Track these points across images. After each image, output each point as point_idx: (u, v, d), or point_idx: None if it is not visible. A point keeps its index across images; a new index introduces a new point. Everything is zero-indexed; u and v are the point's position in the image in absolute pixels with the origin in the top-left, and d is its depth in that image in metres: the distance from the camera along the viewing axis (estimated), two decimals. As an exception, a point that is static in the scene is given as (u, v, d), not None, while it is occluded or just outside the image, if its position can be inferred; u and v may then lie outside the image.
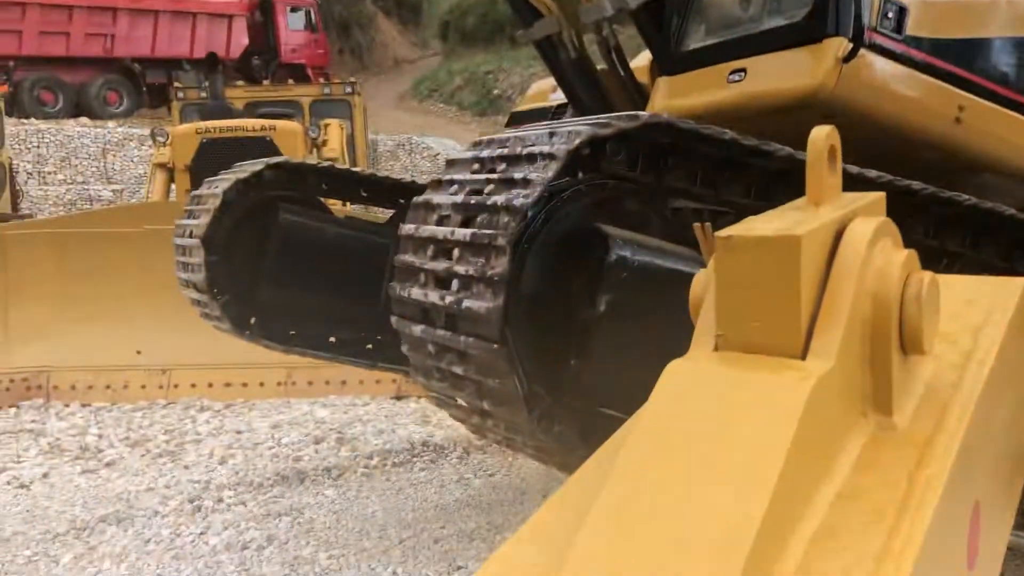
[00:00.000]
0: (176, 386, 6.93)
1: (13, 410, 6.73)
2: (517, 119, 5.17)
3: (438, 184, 2.48)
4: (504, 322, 2.10)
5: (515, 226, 2.09)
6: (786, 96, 3.40)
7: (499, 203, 2.15)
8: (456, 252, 2.23)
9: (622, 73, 4.20)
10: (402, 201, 4.28)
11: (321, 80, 13.08)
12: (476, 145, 2.56)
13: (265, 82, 12.46)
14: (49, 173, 13.38)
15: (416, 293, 2.36)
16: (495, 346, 2.11)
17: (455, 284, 2.22)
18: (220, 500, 4.78)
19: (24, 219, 9.50)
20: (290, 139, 8.73)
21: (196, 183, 8.49)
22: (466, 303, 2.15)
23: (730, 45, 3.79)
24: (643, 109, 4.19)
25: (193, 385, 6.89)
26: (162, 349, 6.74)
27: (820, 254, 0.90)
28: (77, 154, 13.59)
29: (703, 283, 1.01)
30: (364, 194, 4.23)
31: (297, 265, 4.03)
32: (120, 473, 5.39)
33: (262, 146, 8.55)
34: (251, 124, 8.65)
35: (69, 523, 4.55)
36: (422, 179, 12.94)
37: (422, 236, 2.36)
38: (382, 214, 5.22)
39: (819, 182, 0.97)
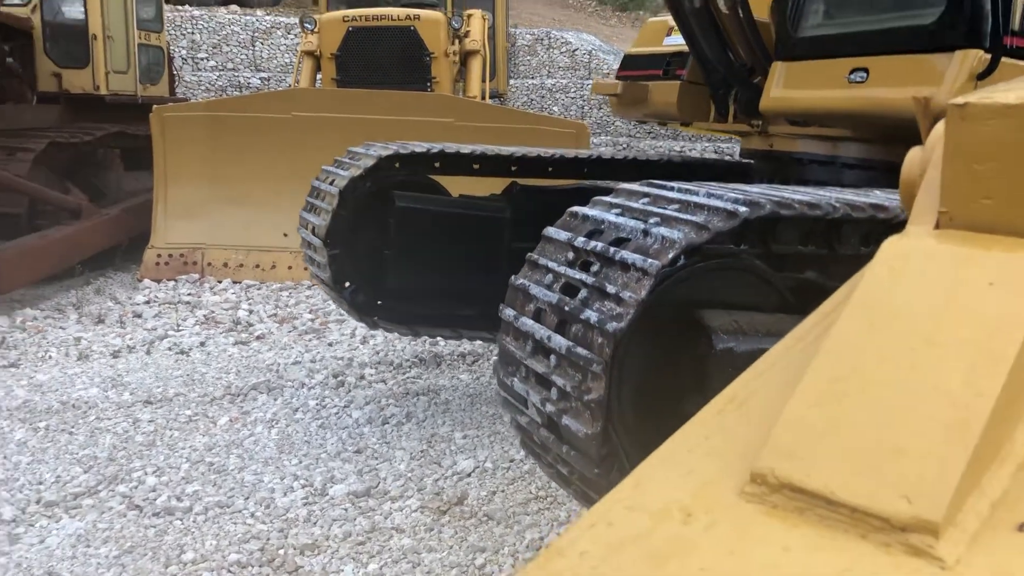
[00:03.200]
0: (320, 269, 7.21)
1: (171, 283, 7.17)
2: (631, 62, 4.96)
3: (534, 266, 2.39)
4: (604, 443, 2.03)
5: (609, 351, 1.99)
6: (911, 112, 3.06)
7: (592, 321, 2.04)
8: (553, 358, 2.16)
9: (746, 27, 3.94)
10: (514, 168, 4.27)
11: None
12: (572, 218, 2.44)
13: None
14: (201, 59, 13.84)
15: (518, 386, 2.31)
16: (596, 470, 2.06)
17: (554, 392, 2.15)
18: (362, 377, 5.00)
19: (180, 102, 9.93)
20: (433, 29, 8.69)
21: (343, 71, 8.65)
22: (565, 420, 2.09)
23: (851, 39, 3.45)
24: (765, 62, 3.92)
25: (335, 268, 7.14)
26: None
27: (1069, 127, 0.82)
28: (228, 41, 13.98)
29: (919, 160, 0.95)
30: (476, 167, 4.23)
31: (417, 248, 4.14)
32: (269, 346, 5.70)
33: (406, 36, 8.57)
34: (396, 13, 8.64)
35: (224, 388, 4.86)
36: (558, 74, 12.52)
37: (521, 329, 2.30)
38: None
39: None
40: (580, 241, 2.28)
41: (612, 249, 2.15)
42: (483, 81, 9.30)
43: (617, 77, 4.99)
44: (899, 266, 0.81)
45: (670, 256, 2.01)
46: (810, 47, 3.61)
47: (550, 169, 4.35)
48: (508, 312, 2.39)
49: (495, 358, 2.46)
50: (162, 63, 10.14)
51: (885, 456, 0.67)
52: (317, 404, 4.60)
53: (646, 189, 2.42)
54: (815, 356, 0.76)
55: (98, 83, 8.75)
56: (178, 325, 6.15)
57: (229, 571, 3.02)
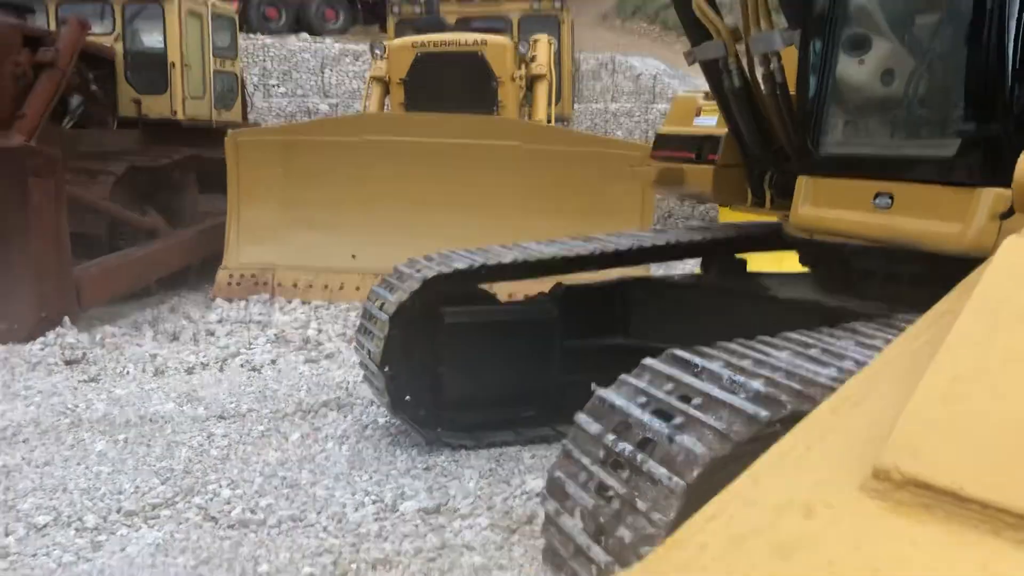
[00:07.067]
0: (387, 290, 7.29)
1: (243, 303, 7.32)
2: (663, 142, 4.98)
3: (568, 458, 2.44)
4: None
5: None
6: (937, 244, 2.97)
7: (627, 541, 2.09)
8: (595, 569, 2.20)
9: (783, 108, 3.89)
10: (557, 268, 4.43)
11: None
12: (600, 404, 2.46)
13: (475, -2, 12.59)
14: (272, 86, 14.19)
15: None
16: None
17: None
18: (430, 396, 5.03)
19: (253, 127, 10.19)
20: (500, 54, 8.77)
21: (411, 96, 8.77)
22: None
23: (873, 161, 3.38)
24: (802, 142, 3.86)
25: (403, 289, 7.22)
26: (375, 254, 7.08)
27: None
28: (298, 68, 14.32)
29: (1035, 162, 0.93)
30: (520, 273, 4.36)
31: (470, 358, 4.30)
32: (339, 365, 5.78)
33: (473, 61, 8.67)
34: (464, 39, 8.75)
35: (296, 405, 4.94)
36: (622, 98, 12.47)
37: (563, 528, 2.35)
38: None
39: None
40: (609, 439, 2.33)
41: (640, 456, 2.20)
42: (549, 105, 9.35)
43: (651, 157, 5.00)
44: (1021, 265, 0.79)
45: (695, 474, 2.06)
46: (833, 165, 3.53)
47: (594, 264, 4.45)
48: (550, 505, 2.44)
49: (544, 546, 2.51)
50: (236, 89, 10.43)
51: (1016, 452, 0.66)
52: (386, 422, 4.64)
53: (670, 371, 2.45)
54: (937, 354, 0.75)
55: (175, 109, 9.04)
56: (250, 343, 6.28)
57: (303, 583, 3.05)
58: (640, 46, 21.39)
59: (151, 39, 9.26)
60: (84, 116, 8.51)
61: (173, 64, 8.99)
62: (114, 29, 9.00)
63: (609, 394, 2.49)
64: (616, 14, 26.01)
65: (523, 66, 9.23)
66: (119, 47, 8.99)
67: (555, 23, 11.20)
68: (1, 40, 6.75)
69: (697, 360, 2.45)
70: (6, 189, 6.05)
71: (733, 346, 2.55)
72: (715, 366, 2.38)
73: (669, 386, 2.40)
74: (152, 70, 9.08)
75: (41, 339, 5.98)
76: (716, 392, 2.25)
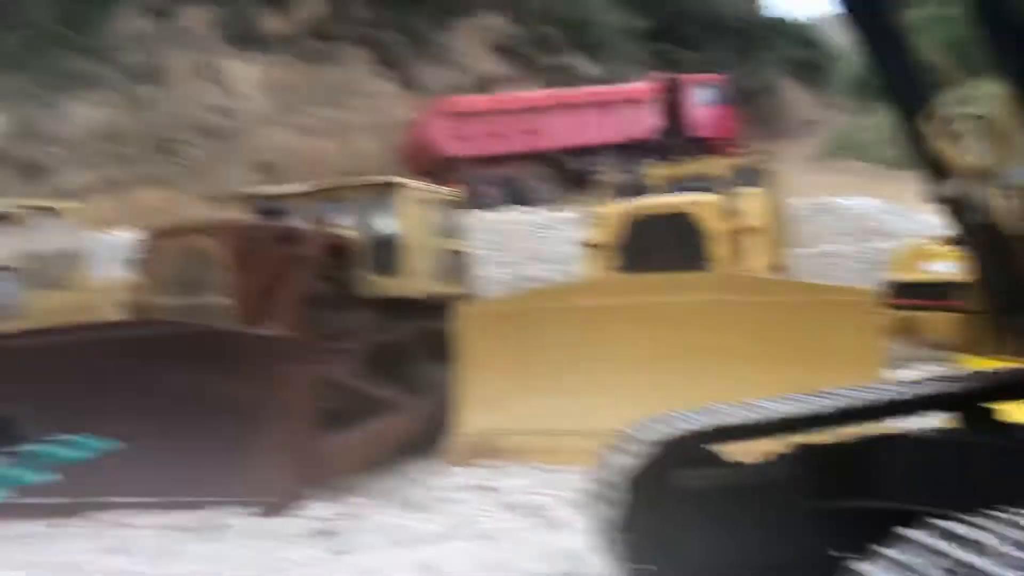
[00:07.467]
0: (616, 453, 7.27)
1: (474, 469, 7.53)
2: (899, 290, 4.76)
3: None
4: None
5: None
6: None
7: None
8: None
9: None
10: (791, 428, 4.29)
11: (734, 151, 13.27)
12: None
13: (680, 159, 12.96)
14: (492, 256, 15.07)
15: None
16: None
17: None
18: (665, 565, 4.89)
19: (477, 298, 10.77)
20: (709, 212, 8.91)
21: (627, 261, 9.01)
22: None
23: None
24: None
25: (633, 454, 7.18)
26: (601, 417, 7.10)
27: None
28: (513, 239, 15.16)
29: None
30: (759, 434, 4.27)
31: (705, 524, 4.16)
32: (569, 532, 5.76)
33: (685, 222, 8.85)
34: (675, 201, 9.00)
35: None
36: (838, 240, 12.22)
37: None
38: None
39: None
40: None
41: None
42: (763, 256, 9.29)
43: (886, 304, 4.79)
44: None
45: None
46: None
47: (833, 422, 4.25)
48: None
49: None
50: (461, 264, 11.13)
51: None
52: (619, 594, 4.55)
53: (935, 543, 2.27)
54: None
55: (407, 286, 9.75)
56: (482, 510, 6.41)
57: None
58: (850, 184, 20.92)
59: (384, 225, 10.16)
60: (328, 300, 9.36)
61: (404, 246, 9.77)
62: (352, 221, 9.95)
63: (870, 570, 2.33)
64: (821, 155, 25.72)
65: (732, 220, 9.28)
66: (357, 235, 9.91)
67: (761, 175, 11.25)
68: (261, 241, 7.69)
69: (967, 532, 2.26)
70: (262, 373, 6.69)
71: (1007, 515, 2.34)
72: (990, 539, 2.19)
73: (941, 561, 2.21)
74: (386, 253, 9.90)
75: (292, 512, 6.40)
76: (996, 570, 2.05)
